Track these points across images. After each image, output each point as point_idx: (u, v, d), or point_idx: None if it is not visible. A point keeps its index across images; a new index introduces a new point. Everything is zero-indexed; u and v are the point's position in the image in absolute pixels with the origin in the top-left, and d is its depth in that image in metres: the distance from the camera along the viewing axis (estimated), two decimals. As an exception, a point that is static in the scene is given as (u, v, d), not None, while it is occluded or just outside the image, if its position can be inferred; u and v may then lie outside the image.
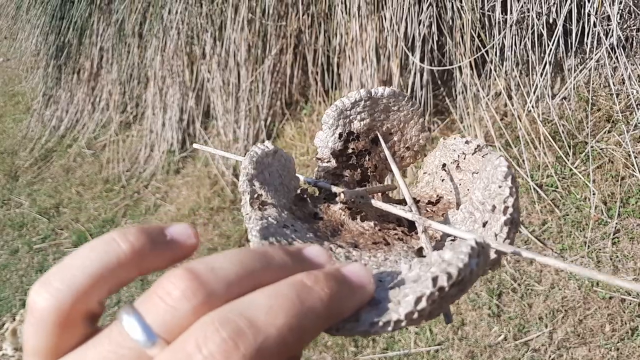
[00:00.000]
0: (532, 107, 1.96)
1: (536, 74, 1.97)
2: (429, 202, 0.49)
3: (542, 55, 1.96)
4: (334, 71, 2.48)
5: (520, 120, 1.96)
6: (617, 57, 1.83)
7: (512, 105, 2.01)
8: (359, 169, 0.52)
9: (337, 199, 0.46)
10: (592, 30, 1.85)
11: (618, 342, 1.46)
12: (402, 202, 0.48)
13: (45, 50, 3.66)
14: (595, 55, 1.87)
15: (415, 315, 0.28)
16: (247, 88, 2.67)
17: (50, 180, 3.22)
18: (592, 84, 1.95)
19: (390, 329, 0.28)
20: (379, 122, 0.51)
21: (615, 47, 1.82)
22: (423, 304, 0.27)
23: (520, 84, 2.02)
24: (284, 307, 0.24)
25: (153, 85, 3.01)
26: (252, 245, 0.34)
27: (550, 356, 1.50)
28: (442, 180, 0.49)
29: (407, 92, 2.20)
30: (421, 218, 0.42)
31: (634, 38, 1.87)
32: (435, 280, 0.28)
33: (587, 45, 1.87)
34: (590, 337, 1.50)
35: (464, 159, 0.46)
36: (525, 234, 1.78)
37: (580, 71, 1.93)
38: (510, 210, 0.35)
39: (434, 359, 1.60)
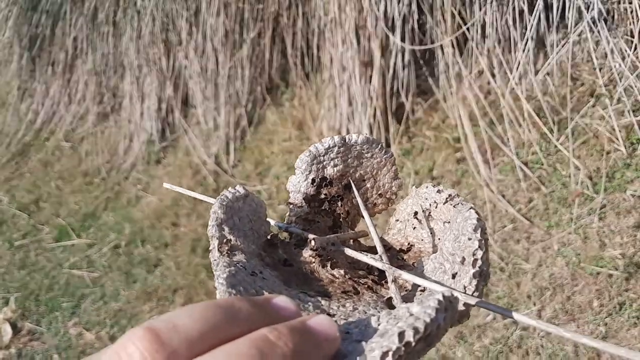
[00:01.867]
0: (515, 84, 1.94)
1: (518, 51, 1.95)
2: (400, 250, 0.49)
3: (524, 31, 1.93)
4: (314, 54, 2.44)
5: (503, 98, 1.94)
6: (598, 31, 1.81)
7: (495, 83, 1.99)
8: (331, 215, 0.52)
9: (308, 246, 0.46)
10: (573, 4, 1.83)
11: (606, 317, 1.45)
12: (374, 249, 0.48)
13: (17, 42, 3.56)
14: (577, 29, 1.85)
15: None
16: (226, 74, 2.62)
17: (28, 175, 3.15)
18: (575, 59, 1.93)
19: None
20: (352, 169, 0.51)
21: (597, 21, 1.80)
22: (389, 359, 0.27)
23: (503, 61, 1.99)
24: None
25: (130, 75, 2.94)
26: (218, 294, 0.34)
27: (539, 334, 1.49)
28: (414, 228, 0.49)
29: (389, 73, 2.17)
30: (391, 268, 0.42)
31: (615, 11, 1.85)
32: (401, 335, 0.28)
33: (568, 20, 1.85)
34: (578, 314, 1.49)
35: (436, 207, 0.47)
36: (512, 213, 1.77)
37: (563, 46, 1.90)
38: (479, 262, 0.36)
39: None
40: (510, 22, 1.95)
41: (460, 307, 0.35)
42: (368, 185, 0.52)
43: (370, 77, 2.16)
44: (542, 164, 1.82)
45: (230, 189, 0.45)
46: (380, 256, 0.44)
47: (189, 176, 2.64)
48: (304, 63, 2.50)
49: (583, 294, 1.52)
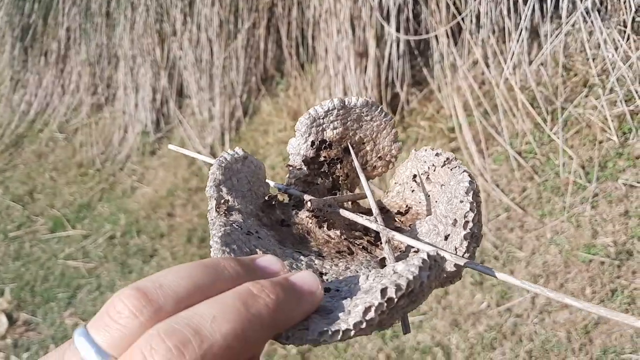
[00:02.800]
0: (510, 74, 1.95)
1: (512, 41, 1.95)
2: (398, 212, 0.50)
3: (518, 21, 1.94)
4: (308, 44, 2.44)
5: (497, 88, 1.95)
6: (592, 21, 1.82)
7: (490, 73, 2.00)
8: (330, 177, 0.53)
9: (305, 207, 0.47)
10: (567, -6, 1.84)
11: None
12: (371, 211, 0.49)
13: (9, 32, 3.53)
14: (571, 19, 1.86)
15: (364, 325, 0.28)
16: (220, 64, 2.61)
17: (22, 167, 3.14)
18: (568, 49, 1.95)
19: (339, 338, 0.28)
20: (352, 131, 0.52)
21: (590, 11, 1.81)
22: (371, 314, 0.28)
23: (497, 51, 2.00)
24: (228, 315, 0.25)
25: (124, 65, 2.93)
26: (212, 252, 0.35)
27: (532, 320, 1.51)
28: (412, 191, 0.50)
29: (384, 63, 2.17)
30: (385, 229, 0.42)
31: (609, 1, 1.86)
32: (384, 291, 0.29)
33: (562, 10, 1.86)
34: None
35: (434, 171, 0.48)
36: (506, 202, 1.78)
37: (556, 36, 1.91)
38: (470, 225, 0.37)
39: (419, 328, 1.61)
40: (505, 12, 1.96)
41: (451, 267, 0.36)
42: (368, 148, 0.53)
43: (365, 67, 2.17)
44: (536, 154, 1.84)
45: (229, 150, 0.45)
46: (375, 218, 0.44)
47: (184, 167, 2.64)
48: (298, 53, 2.50)
49: (576, 281, 1.54)
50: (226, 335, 0.24)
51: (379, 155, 0.53)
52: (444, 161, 0.46)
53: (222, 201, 0.42)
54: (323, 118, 0.50)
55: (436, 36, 2.10)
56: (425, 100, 2.21)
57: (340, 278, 0.38)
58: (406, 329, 0.38)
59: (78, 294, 2.18)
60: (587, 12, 1.82)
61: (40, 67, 3.41)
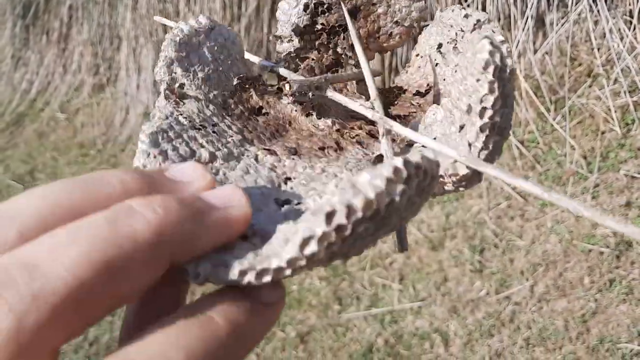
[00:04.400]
0: (514, 62, 1.94)
1: (518, 29, 1.95)
2: (417, 93, 0.40)
3: (524, 9, 1.93)
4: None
5: (501, 76, 1.95)
6: (598, 11, 1.81)
7: (494, 61, 1.99)
8: (330, 50, 0.42)
9: (284, 90, 0.37)
10: (575, -17, 1.83)
11: (596, 294, 1.49)
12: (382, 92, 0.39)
13: (10, 9, 3.51)
14: (577, 8, 1.85)
15: (303, 262, 0.20)
16: (223, 47, 2.60)
17: (23, 146, 3.14)
18: (574, 38, 1.94)
19: (269, 279, 0.21)
20: None
21: (597, 0, 1.80)
22: (312, 247, 0.20)
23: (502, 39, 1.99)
24: (82, 239, 0.18)
25: (126, 46, 2.91)
26: (137, 154, 0.28)
27: (531, 309, 1.53)
28: (437, 64, 0.39)
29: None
30: (382, 117, 0.32)
31: (616, -9, 1.85)
32: (330, 215, 0.20)
33: (569, -1, 1.85)
34: (569, 289, 1.53)
35: (462, 37, 0.36)
36: (507, 191, 1.79)
37: (562, 25, 1.91)
38: (490, 112, 0.27)
39: (417, 314, 1.62)
40: (511, 0, 1.95)
41: (463, 170, 0.28)
42: (380, 10, 0.42)
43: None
44: (538, 143, 1.84)
45: (190, 20, 0.35)
46: (372, 103, 0.35)
47: (185, 149, 2.64)
48: (302, 37, 2.49)
49: (575, 270, 1.55)
50: (71, 265, 0.17)
51: (395, 20, 0.42)
52: (474, 24, 0.35)
53: (177, 85, 0.33)
54: None
55: (441, 23, 2.08)
56: (428, 87, 2.21)
57: (310, 185, 0.29)
58: (402, 246, 0.30)
59: (79, 274, 2.20)
60: (594, 1, 1.81)
61: (42, 45, 3.39)
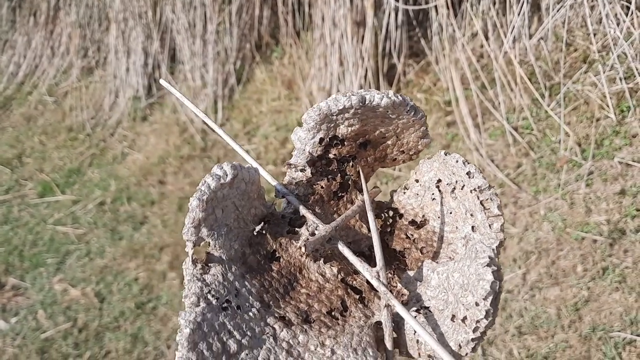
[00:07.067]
0: (509, 47, 1.91)
1: (513, 14, 1.92)
2: (412, 222, 0.45)
3: (520, -7, 1.90)
4: (305, 11, 2.38)
5: (496, 61, 1.92)
6: (595, -5, 1.79)
7: (489, 46, 1.97)
8: (338, 175, 0.46)
9: (299, 243, 0.42)
10: (572, -33, 1.80)
11: (589, 282, 1.48)
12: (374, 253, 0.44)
13: (-3, -10, 3.43)
14: (574, -7, 1.82)
15: None
16: (214, 30, 2.55)
17: (11, 130, 3.09)
18: (570, 23, 1.91)
19: None
20: (371, 127, 0.44)
21: (594, -15, 1.77)
22: None
23: (497, 23, 1.96)
24: None
25: (115, 28, 2.86)
26: (177, 355, 0.32)
27: (523, 297, 1.52)
28: (433, 199, 0.45)
29: (381, 33, 2.13)
30: (387, 293, 0.37)
31: (613, -25, 1.82)
32: None
33: (565, -17, 1.82)
34: (562, 278, 1.52)
35: (462, 188, 0.42)
36: (501, 178, 1.77)
37: (558, 10, 1.88)
38: (482, 330, 0.33)
39: (409, 302, 1.61)
40: (507, -16, 1.92)
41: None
42: (389, 142, 0.46)
43: (363, 36, 2.12)
44: (532, 130, 1.82)
45: (215, 170, 0.37)
46: (378, 273, 0.39)
47: (176, 134, 2.60)
48: (294, 20, 2.45)
49: (567, 258, 1.54)
50: None
51: (401, 149, 0.47)
52: (475, 188, 0.41)
53: (201, 244, 0.37)
54: (336, 115, 0.42)
55: (436, 6, 2.05)
56: (422, 72, 2.18)
57: None
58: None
59: (67, 260, 2.17)
60: (591, -14, 1.78)
61: (29, 27, 3.32)
